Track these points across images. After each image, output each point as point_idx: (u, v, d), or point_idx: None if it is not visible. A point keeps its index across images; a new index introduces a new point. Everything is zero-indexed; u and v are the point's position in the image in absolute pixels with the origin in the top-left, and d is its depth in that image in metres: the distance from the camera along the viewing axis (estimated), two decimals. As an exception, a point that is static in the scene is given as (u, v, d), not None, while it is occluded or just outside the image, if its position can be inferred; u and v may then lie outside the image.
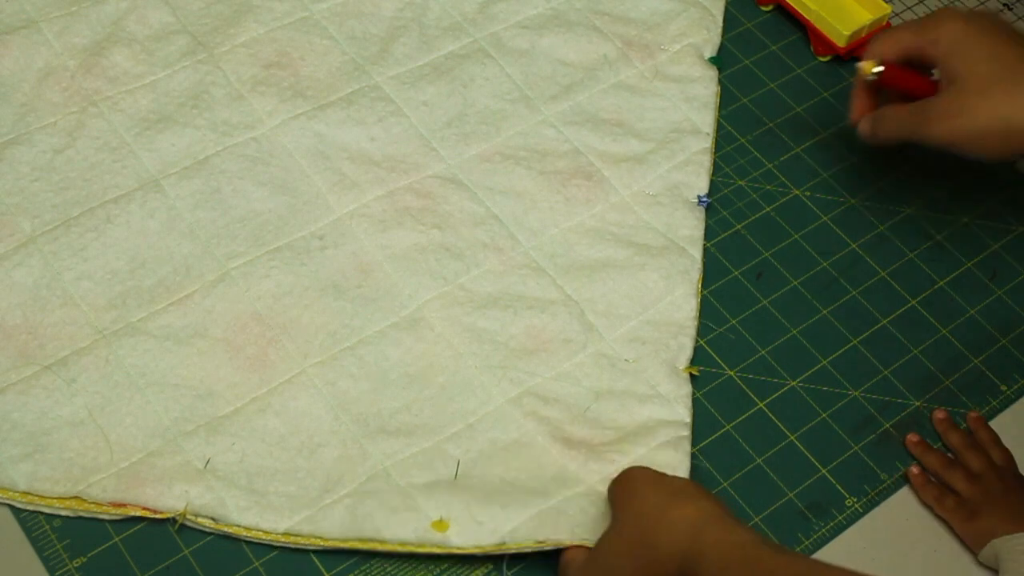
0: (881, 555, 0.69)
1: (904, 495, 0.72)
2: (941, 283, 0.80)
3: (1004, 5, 0.94)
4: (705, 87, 0.85)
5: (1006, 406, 0.75)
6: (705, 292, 0.77)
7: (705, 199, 0.80)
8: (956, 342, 0.77)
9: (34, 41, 0.81)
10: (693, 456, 0.70)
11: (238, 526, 0.66)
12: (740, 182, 0.83)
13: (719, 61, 0.87)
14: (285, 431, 0.69)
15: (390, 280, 0.75)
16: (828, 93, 0.88)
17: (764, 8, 0.91)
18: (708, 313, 0.77)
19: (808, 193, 0.83)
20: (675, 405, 0.71)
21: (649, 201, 0.80)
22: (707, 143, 0.83)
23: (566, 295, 0.75)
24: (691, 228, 0.79)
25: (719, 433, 0.72)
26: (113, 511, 0.66)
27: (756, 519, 0.70)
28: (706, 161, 0.82)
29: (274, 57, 0.83)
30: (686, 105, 0.84)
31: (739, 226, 0.81)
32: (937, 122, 0.70)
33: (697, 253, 0.78)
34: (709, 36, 0.88)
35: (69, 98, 0.79)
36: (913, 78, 0.74)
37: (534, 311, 0.74)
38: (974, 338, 0.77)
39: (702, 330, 0.76)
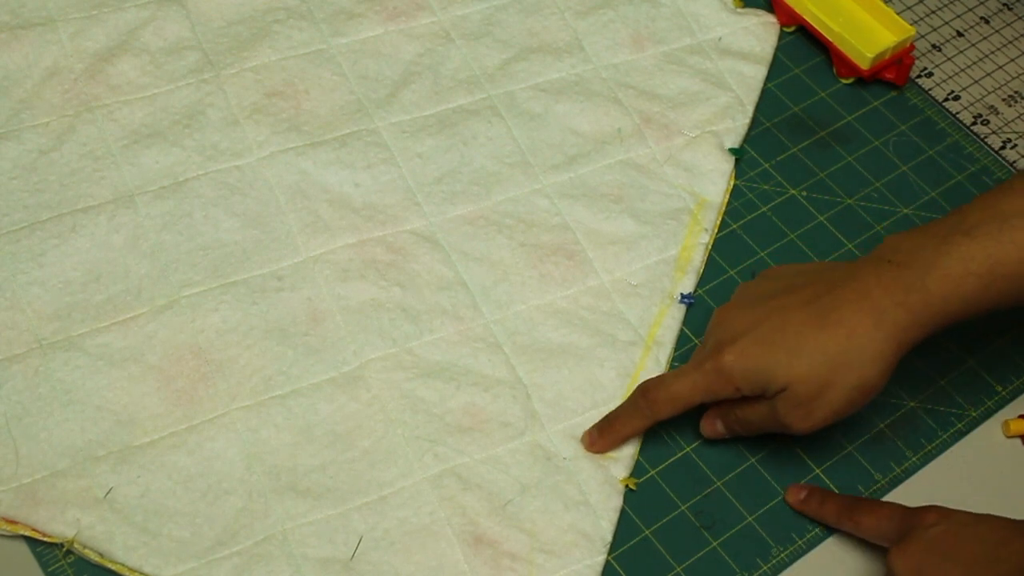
0: (876, 555, 0.68)
1: (900, 495, 0.71)
2: None
3: (1004, 5, 0.94)
4: (714, 182, 0.81)
5: (1001, 407, 0.75)
6: (701, 291, 0.77)
7: (689, 298, 0.76)
8: (951, 342, 0.76)
9: (47, 39, 0.81)
10: (688, 455, 0.71)
11: (122, 564, 0.64)
12: (737, 182, 0.82)
13: (740, 153, 0.83)
14: (194, 471, 0.67)
15: (339, 333, 0.72)
16: (825, 93, 0.87)
17: (787, 29, 0.90)
18: (703, 312, 0.76)
19: (805, 193, 0.82)
20: (600, 519, 0.68)
21: (628, 291, 0.76)
22: (705, 239, 0.79)
23: (516, 376, 0.72)
24: (666, 327, 0.75)
25: None
26: (4, 527, 0.65)
27: (750, 518, 0.69)
28: (698, 258, 0.78)
29: (280, 86, 0.82)
30: (691, 197, 0.80)
31: (735, 226, 0.80)
32: (798, 422, 0.66)
33: (664, 356, 0.74)
34: (734, 126, 0.84)
35: (67, 101, 0.79)
36: None
37: (478, 388, 0.71)
38: (969, 338, 0.77)
39: (697, 329, 0.75)
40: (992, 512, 0.70)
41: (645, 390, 0.68)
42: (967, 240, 0.63)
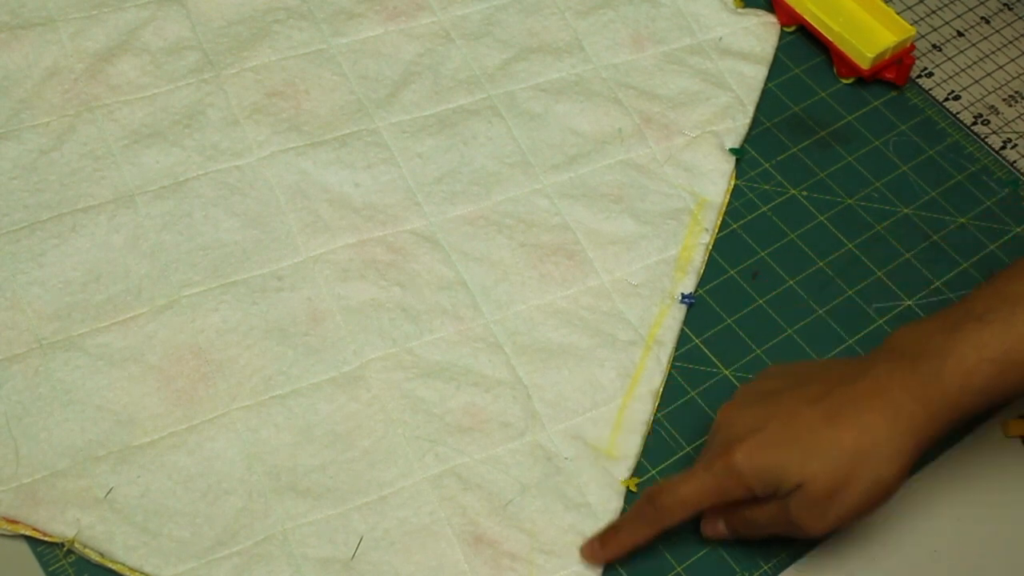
0: (876, 555, 0.68)
1: (900, 495, 0.68)
2: (938, 284, 0.79)
3: (1004, 5, 0.94)
4: (715, 182, 0.81)
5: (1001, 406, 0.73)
6: (701, 291, 0.77)
7: (690, 298, 0.76)
8: None
9: (47, 39, 0.81)
10: (689, 455, 0.71)
11: (123, 564, 0.64)
12: (737, 181, 0.82)
13: (741, 153, 0.83)
14: (195, 471, 0.67)
15: (339, 333, 0.72)
16: (825, 93, 0.87)
17: (787, 29, 0.90)
18: (703, 312, 0.76)
19: (805, 193, 0.82)
20: (600, 520, 0.67)
21: (629, 291, 0.76)
22: (705, 239, 0.79)
23: (516, 376, 0.72)
24: (667, 327, 0.75)
25: None
26: (5, 526, 0.65)
27: None
28: (698, 258, 0.78)
29: (280, 86, 0.82)
30: (691, 197, 0.80)
31: (735, 225, 0.80)
32: (814, 524, 0.62)
33: (665, 356, 0.74)
34: (735, 126, 0.84)
35: (67, 101, 0.79)
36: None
37: (478, 388, 0.71)
38: None
39: (698, 329, 0.76)
40: (992, 513, 0.70)
41: (651, 496, 0.64)
42: (979, 326, 0.61)
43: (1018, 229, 0.82)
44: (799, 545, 0.68)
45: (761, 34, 0.88)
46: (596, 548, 0.66)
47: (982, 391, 0.61)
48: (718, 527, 0.66)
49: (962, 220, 0.82)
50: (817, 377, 0.64)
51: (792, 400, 0.62)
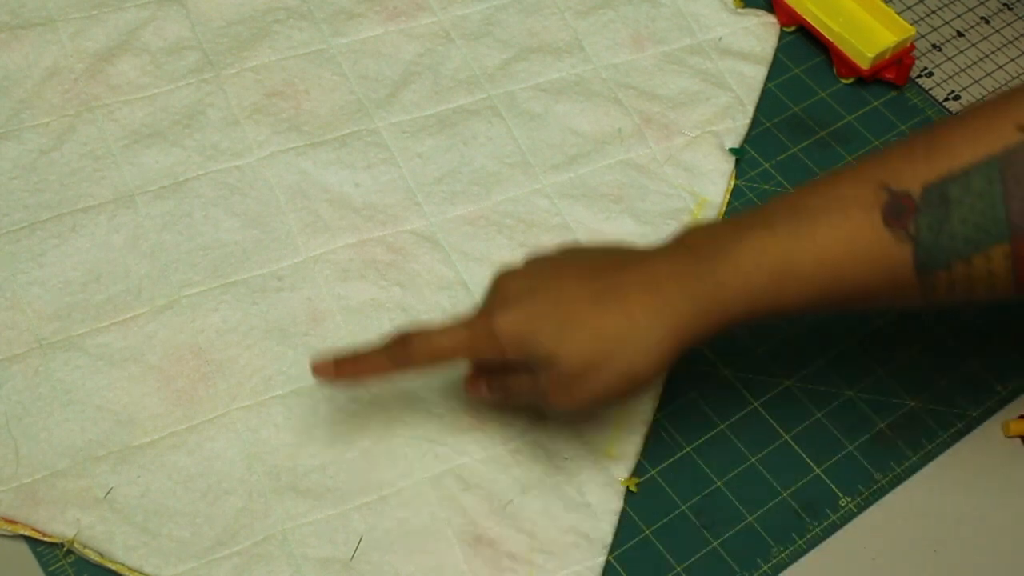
0: (876, 555, 0.69)
1: (899, 495, 0.71)
2: None
3: (1004, 5, 0.94)
4: (714, 182, 0.81)
5: (1001, 406, 0.75)
6: None
7: (689, 297, 0.76)
8: (952, 342, 0.76)
9: (47, 39, 0.81)
10: (689, 455, 0.71)
11: (122, 564, 0.64)
12: (737, 181, 0.82)
13: (741, 153, 0.83)
14: (195, 471, 0.67)
15: (339, 333, 0.72)
16: (825, 93, 0.87)
17: (787, 29, 0.90)
18: None
19: None
20: (600, 521, 0.67)
21: (628, 291, 0.76)
22: (705, 238, 0.79)
23: (516, 377, 0.72)
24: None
25: (713, 432, 0.72)
26: (5, 526, 0.65)
27: (750, 518, 0.69)
28: (698, 257, 0.78)
29: (280, 86, 0.82)
30: (691, 197, 0.80)
31: None
32: (559, 400, 0.61)
33: (664, 354, 0.73)
34: (735, 126, 0.84)
35: (67, 101, 0.79)
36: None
37: (478, 388, 0.71)
38: (970, 338, 0.77)
39: None
40: (992, 513, 0.70)
41: (405, 339, 0.62)
42: (765, 233, 0.59)
43: (1018, 229, 0.82)
44: (798, 545, 0.68)
45: (761, 34, 0.88)
46: (329, 368, 0.63)
47: (756, 299, 0.59)
48: (481, 388, 0.65)
49: (962, 220, 0.82)
50: (598, 260, 0.62)
51: (567, 277, 0.61)
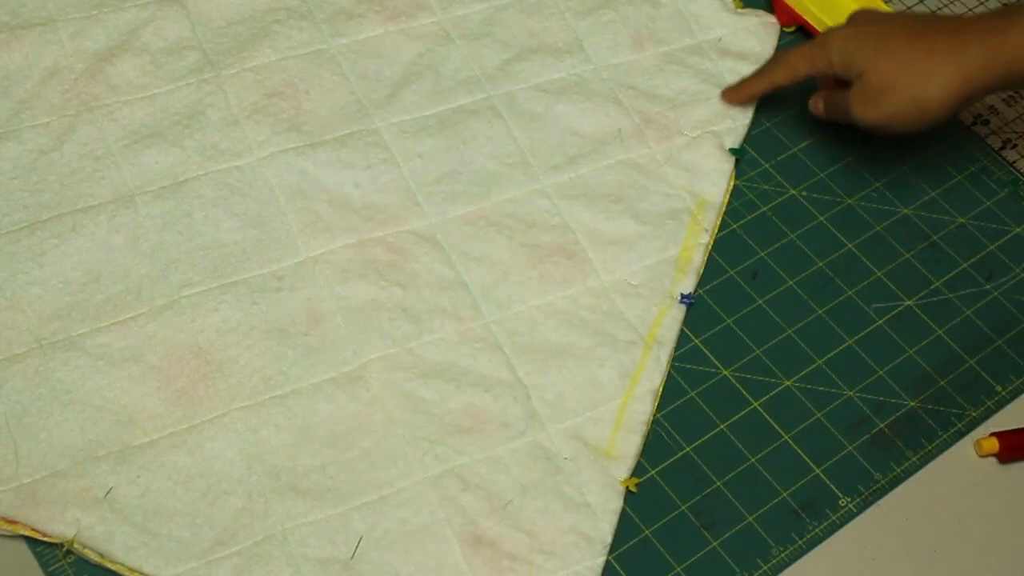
0: (876, 555, 0.69)
1: (899, 495, 0.71)
2: (937, 283, 0.79)
3: (1004, 5, 0.94)
4: (714, 182, 0.81)
5: (1001, 407, 0.75)
6: (701, 291, 0.77)
7: (689, 298, 0.76)
8: (951, 342, 0.77)
9: (47, 39, 0.81)
10: (689, 455, 0.71)
11: (122, 564, 0.64)
12: (737, 182, 0.83)
13: (740, 152, 0.83)
14: (194, 471, 0.67)
15: (339, 333, 0.72)
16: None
17: (787, 29, 0.90)
18: (703, 312, 0.77)
19: (805, 193, 0.83)
20: (600, 521, 0.67)
21: (628, 291, 0.76)
22: (705, 239, 0.79)
23: (516, 377, 0.72)
24: (666, 327, 0.75)
25: (713, 432, 0.72)
26: (4, 526, 0.65)
27: (749, 518, 0.70)
28: (698, 258, 0.78)
29: (280, 87, 0.82)
30: (691, 197, 0.80)
31: (735, 225, 0.81)
32: (860, 110, 0.76)
33: (664, 356, 0.74)
34: (734, 125, 0.84)
35: (67, 101, 0.79)
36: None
37: (478, 388, 0.71)
38: (970, 339, 0.77)
39: (697, 329, 0.76)
40: (991, 515, 0.71)
41: (769, 61, 0.83)
42: None
43: (1018, 229, 0.82)
44: (798, 545, 0.68)
45: (761, 34, 0.88)
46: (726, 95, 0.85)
47: None
48: (818, 105, 0.82)
49: (962, 220, 0.82)
50: (923, 16, 0.77)
51: (895, 23, 0.76)
